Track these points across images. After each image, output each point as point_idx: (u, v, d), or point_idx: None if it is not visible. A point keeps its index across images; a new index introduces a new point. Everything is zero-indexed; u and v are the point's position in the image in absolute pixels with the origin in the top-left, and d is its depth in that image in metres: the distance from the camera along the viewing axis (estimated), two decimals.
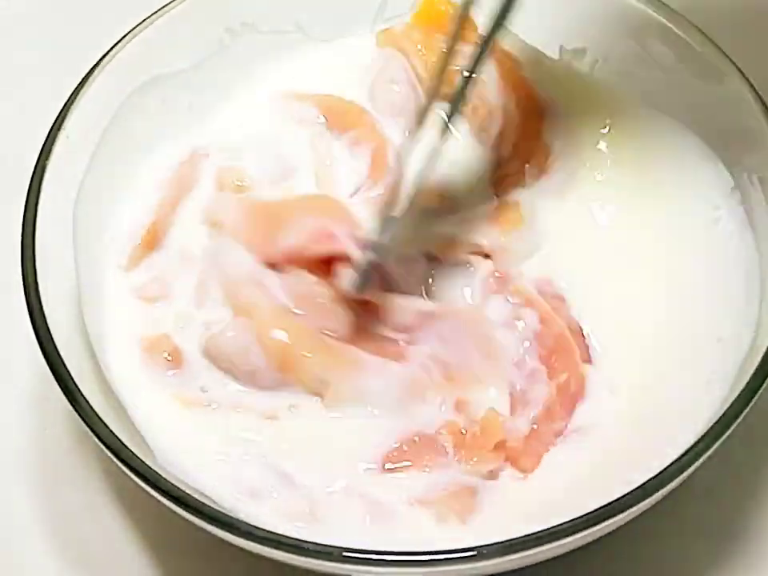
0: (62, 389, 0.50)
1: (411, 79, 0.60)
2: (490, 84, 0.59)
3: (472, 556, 0.45)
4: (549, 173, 0.60)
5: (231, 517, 0.47)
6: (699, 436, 0.48)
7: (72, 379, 0.50)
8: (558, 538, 0.45)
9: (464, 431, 0.52)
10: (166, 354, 0.54)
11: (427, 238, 0.57)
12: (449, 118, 0.52)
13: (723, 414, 0.48)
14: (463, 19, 0.51)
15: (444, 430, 0.53)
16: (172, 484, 0.47)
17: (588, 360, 0.55)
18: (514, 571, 0.47)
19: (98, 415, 0.49)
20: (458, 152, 0.58)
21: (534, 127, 0.60)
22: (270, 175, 0.59)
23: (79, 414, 0.49)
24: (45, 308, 0.51)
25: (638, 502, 0.46)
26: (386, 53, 0.61)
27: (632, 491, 0.46)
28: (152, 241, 0.57)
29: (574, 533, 0.45)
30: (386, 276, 0.55)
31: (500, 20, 0.51)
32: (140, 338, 0.55)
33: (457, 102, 0.52)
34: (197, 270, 0.56)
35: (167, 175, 0.59)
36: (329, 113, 0.61)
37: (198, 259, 0.57)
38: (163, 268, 0.57)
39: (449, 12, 0.61)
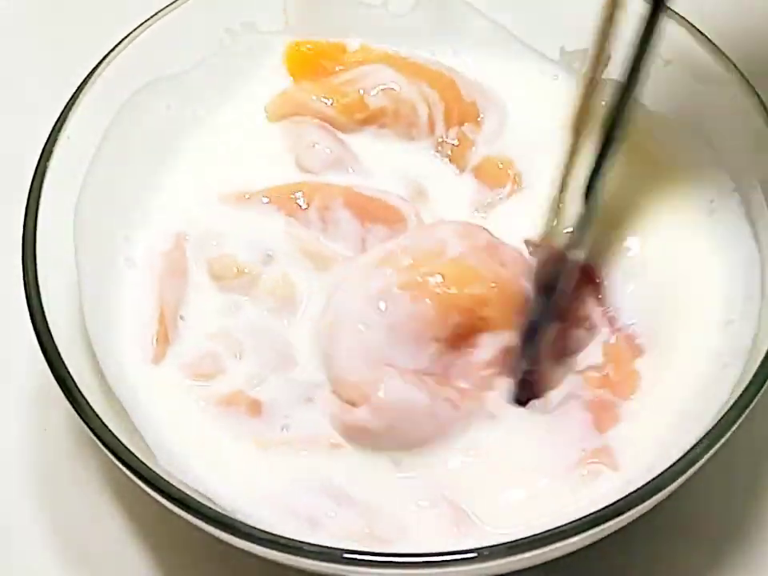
0: (62, 389, 0.50)
1: (327, 128, 0.61)
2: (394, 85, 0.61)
3: (473, 557, 0.45)
4: None
5: (231, 518, 0.47)
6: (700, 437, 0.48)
7: (72, 379, 0.50)
8: (559, 540, 0.45)
9: (605, 374, 0.53)
10: (243, 407, 0.54)
11: None
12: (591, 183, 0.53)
13: (724, 415, 0.48)
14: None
15: (592, 392, 0.53)
16: (171, 485, 0.47)
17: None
18: (514, 572, 0.47)
19: (97, 415, 0.49)
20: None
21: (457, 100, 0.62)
22: (259, 259, 0.58)
23: (79, 414, 0.49)
24: (45, 308, 0.51)
25: (639, 504, 0.46)
26: (283, 126, 0.62)
27: (632, 492, 0.46)
28: (166, 335, 0.56)
29: (574, 534, 0.45)
30: None
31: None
32: (206, 400, 0.54)
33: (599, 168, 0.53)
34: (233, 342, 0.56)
35: (159, 263, 0.58)
36: (279, 202, 0.60)
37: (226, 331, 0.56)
38: (197, 353, 0.56)
39: (315, 51, 0.63)
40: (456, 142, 0.61)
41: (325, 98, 0.62)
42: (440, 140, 0.61)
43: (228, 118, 0.62)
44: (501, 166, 0.60)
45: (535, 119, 0.61)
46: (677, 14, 0.59)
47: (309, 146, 0.61)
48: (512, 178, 0.60)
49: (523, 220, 0.57)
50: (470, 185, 0.60)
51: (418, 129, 0.61)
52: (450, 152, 0.61)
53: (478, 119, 0.61)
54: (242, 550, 0.47)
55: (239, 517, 0.48)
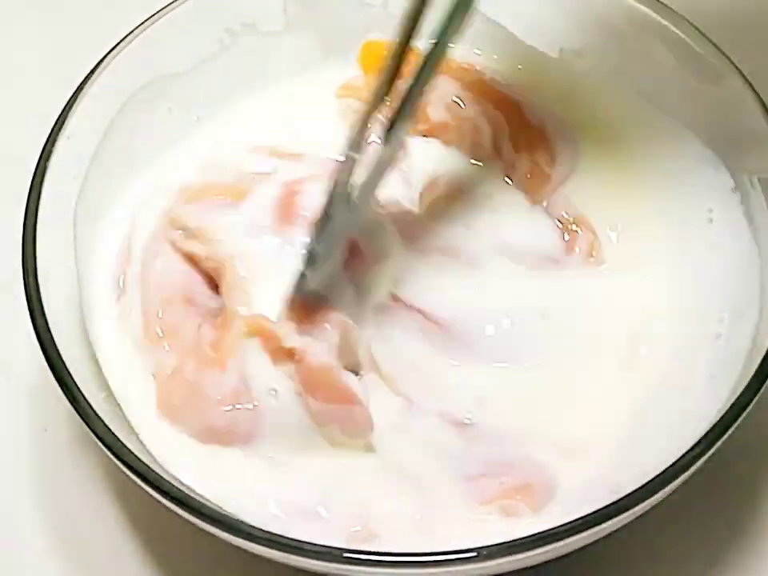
0: (62, 389, 0.50)
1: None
2: (458, 100, 0.60)
3: (472, 557, 0.45)
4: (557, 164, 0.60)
5: (231, 517, 0.47)
6: (700, 437, 0.48)
7: (72, 379, 0.50)
8: (559, 539, 0.45)
9: None
10: None
11: None
12: (391, 126, 0.50)
13: (723, 415, 0.48)
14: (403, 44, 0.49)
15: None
16: (172, 484, 0.47)
17: None
18: (514, 571, 0.47)
19: (98, 415, 0.49)
20: (465, 177, 0.59)
21: (523, 124, 0.61)
22: None
23: (79, 414, 0.49)
24: (45, 308, 0.51)
25: (638, 504, 0.46)
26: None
27: (631, 493, 0.46)
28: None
29: (574, 534, 0.45)
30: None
31: (442, 35, 0.49)
32: None
33: (402, 111, 0.50)
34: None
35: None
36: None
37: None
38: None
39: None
40: (528, 173, 0.60)
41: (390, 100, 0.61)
42: (510, 165, 0.60)
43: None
44: (575, 227, 0.59)
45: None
46: (676, 12, 0.59)
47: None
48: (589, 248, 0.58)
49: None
50: (542, 223, 0.59)
51: (483, 150, 0.60)
52: (522, 181, 0.60)
53: (550, 147, 0.60)
54: (242, 550, 0.47)
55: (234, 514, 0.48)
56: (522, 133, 0.60)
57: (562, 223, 0.59)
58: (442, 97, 0.60)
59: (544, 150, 0.60)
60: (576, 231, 0.58)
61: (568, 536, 0.45)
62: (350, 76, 0.63)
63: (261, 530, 0.46)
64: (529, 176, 0.60)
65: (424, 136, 0.60)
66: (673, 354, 0.55)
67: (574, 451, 0.52)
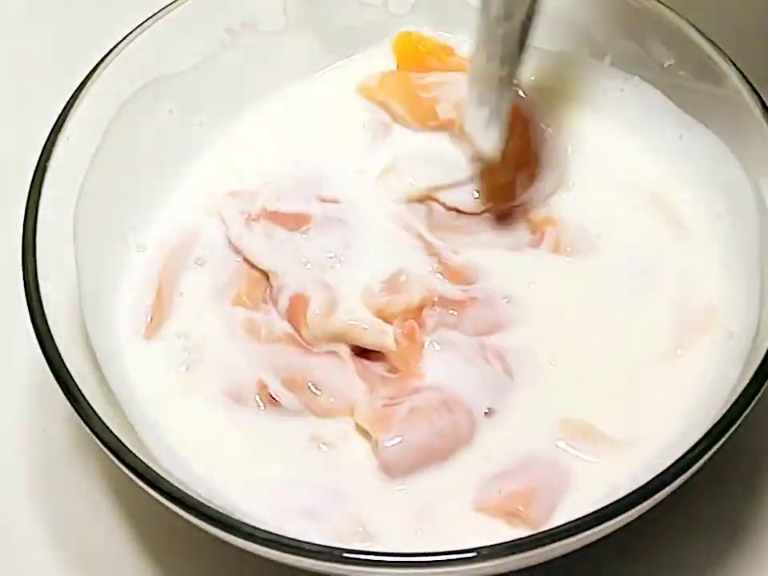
0: (62, 389, 0.50)
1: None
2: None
3: (472, 557, 0.45)
4: None
5: (231, 517, 0.47)
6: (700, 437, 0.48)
7: (72, 379, 0.50)
8: (558, 540, 0.45)
9: None
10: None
11: None
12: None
13: (723, 415, 0.48)
14: None
15: None
16: (172, 484, 0.47)
17: None
18: (514, 572, 0.47)
19: (97, 415, 0.49)
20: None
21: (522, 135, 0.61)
22: None
23: (79, 414, 0.49)
24: (45, 308, 0.51)
25: (638, 504, 0.46)
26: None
27: (632, 492, 0.46)
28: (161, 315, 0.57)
29: (573, 534, 0.45)
30: None
31: None
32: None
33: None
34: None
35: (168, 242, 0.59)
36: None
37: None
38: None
39: (426, 50, 0.63)
40: (501, 186, 0.59)
41: (401, 100, 0.61)
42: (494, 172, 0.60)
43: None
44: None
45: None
46: (676, 13, 0.59)
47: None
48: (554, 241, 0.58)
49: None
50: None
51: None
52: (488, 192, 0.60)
53: (534, 173, 0.60)
54: (242, 550, 0.47)
55: (238, 515, 0.48)
56: (518, 145, 0.60)
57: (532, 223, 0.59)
58: (452, 96, 0.60)
59: (527, 173, 0.60)
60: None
61: (567, 536, 0.45)
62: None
63: (261, 529, 0.46)
64: (499, 187, 0.59)
65: (435, 130, 0.61)
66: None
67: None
